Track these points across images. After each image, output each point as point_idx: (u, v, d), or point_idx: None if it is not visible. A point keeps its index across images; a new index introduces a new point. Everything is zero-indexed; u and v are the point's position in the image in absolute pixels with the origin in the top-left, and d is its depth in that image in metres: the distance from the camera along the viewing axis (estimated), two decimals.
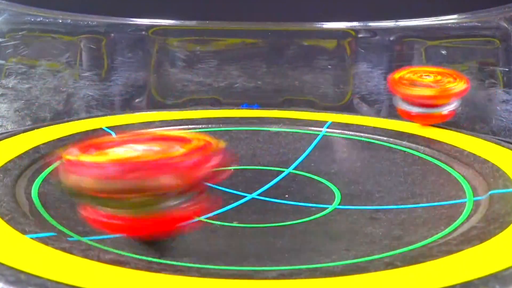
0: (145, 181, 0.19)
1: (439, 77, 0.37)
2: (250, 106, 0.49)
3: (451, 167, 0.32)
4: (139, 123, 0.40)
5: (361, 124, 0.40)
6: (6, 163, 0.29)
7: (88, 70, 0.51)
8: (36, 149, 0.32)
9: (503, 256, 0.19)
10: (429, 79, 0.37)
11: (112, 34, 0.53)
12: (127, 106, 0.53)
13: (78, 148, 0.20)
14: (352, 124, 0.40)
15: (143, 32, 0.53)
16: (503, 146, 0.34)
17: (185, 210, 0.20)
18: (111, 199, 0.19)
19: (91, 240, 0.23)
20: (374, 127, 0.39)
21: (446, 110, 0.37)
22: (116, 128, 0.38)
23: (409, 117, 0.38)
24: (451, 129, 0.38)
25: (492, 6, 0.48)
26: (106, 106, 0.51)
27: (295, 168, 0.35)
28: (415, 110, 0.37)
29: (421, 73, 0.37)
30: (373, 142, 0.38)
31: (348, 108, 0.52)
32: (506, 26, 0.48)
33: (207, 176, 0.20)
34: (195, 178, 0.19)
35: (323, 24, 0.52)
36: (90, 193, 0.19)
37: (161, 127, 0.40)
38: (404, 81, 0.37)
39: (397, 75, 0.37)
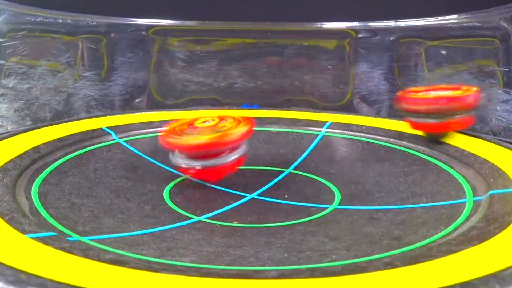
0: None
1: (213, 122, 0.32)
2: (250, 106, 0.49)
3: (451, 167, 0.32)
4: (139, 123, 0.40)
5: (361, 124, 0.40)
6: (6, 163, 0.29)
7: (88, 70, 0.52)
8: (36, 149, 0.32)
9: (503, 256, 0.19)
10: (206, 125, 0.32)
11: (112, 34, 0.53)
12: (127, 106, 0.53)
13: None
14: (352, 124, 0.40)
15: (143, 32, 0.53)
16: (503, 146, 0.34)
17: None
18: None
19: (91, 240, 0.23)
20: (374, 127, 0.39)
21: (230, 159, 0.31)
22: (116, 128, 0.38)
23: (191, 174, 0.32)
24: None
25: (492, 6, 0.48)
26: (106, 106, 0.51)
27: (295, 168, 0.35)
28: (194, 164, 0.31)
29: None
30: (373, 142, 0.38)
31: (348, 108, 0.52)
32: (506, 26, 0.48)
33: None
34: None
35: (323, 24, 0.52)
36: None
37: (161, 127, 0.40)
38: (174, 132, 0.31)
39: (167, 128, 0.32)
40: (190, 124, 0.32)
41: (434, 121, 0.34)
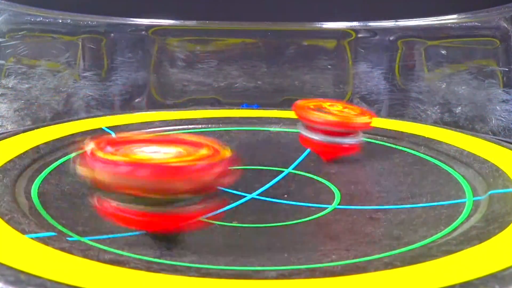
0: (157, 183, 0.20)
1: (345, 109, 0.36)
2: (250, 106, 0.49)
3: (450, 167, 0.32)
4: (139, 123, 0.40)
5: None
6: (6, 163, 0.29)
7: (88, 70, 0.52)
8: (36, 149, 0.32)
9: (503, 256, 0.19)
10: (335, 108, 0.36)
11: (112, 34, 0.53)
12: (127, 106, 0.53)
13: (96, 144, 0.22)
14: None
15: (143, 32, 0.53)
16: (502, 146, 0.34)
17: (194, 209, 0.21)
18: (125, 194, 0.21)
19: (90, 240, 0.23)
20: (373, 127, 0.39)
21: (348, 142, 0.35)
22: (116, 128, 0.38)
23: (310, 145, 0.36)
24: (450, 129, 0.38)
25: (492, 6, 0.48)
26: (106, 106, 0.51)
27: (294, 168, 0.35)
28: (316, 137, 0.35)
29: (328, 104, 0.37)
30: (372, 142, 0.38)
31: None
32: (506, 26, 0.48)
33: (214, 181, 0.21)
34: (203, 183, 0.21)
35: (323, 24, 0.52)
36: (106, 187, 0.21)
37: (160, 127, 0.40)
38: (310, 106, 0.35)
39: (303, 102, 0.36)
40: (318, 105, 0.36)
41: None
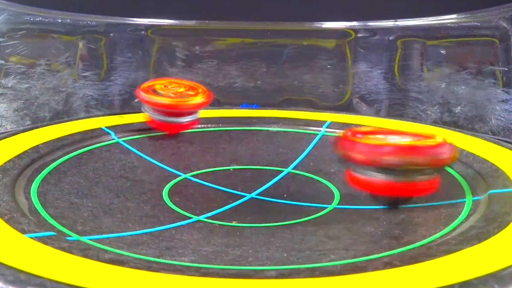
0: (406, 159, 0.26)
1: (182, 89, 0.39)
2: (249, 106, 0.49)
3: (450, 166, 0.32)
4: (139, 123, 0.40)
5: (361, 124, 0.40)
6: (5, 163, 0.29)
7: (88, 70, 0.51)
8: (35, 149, 0.32)
9: (502, 255, 0.19)
10: (174, 90, 0.39)
11: (112, 34, 0.53)
12: (127, 106, 0.53)
13: (358, 133, 0.28)
14: (352, 124, 0.40)
15: (143, 32, 0.53)
16: (502, 146, 0.34)
17: (428, 182, 0.27)
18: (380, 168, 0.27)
19: (90, 239, 0.23)
20: (373, 127, 0.39)
21: (185, 120, 0.38)
22: (115, 128, 0.38)
23: (152, 124, 0.38)
24: (450, 129, 0.38)
25: (492, 6, 0.48)
26: (105, 106, 0.51)
27: (294, 168, 0.35)
28: (157, 117, 0.38)
29: (171, 84, 0.39)
30: None
31: (348, 108, 0.52)
32: (506, 26, 0.48)
33: (445, 162, 0.27)
34: (440, 162, 0.27)
35: (322, 24, 0.52)
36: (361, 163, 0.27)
37: None
38: (151, 89, 0.38)
39: (147, 84, 0.39)
40: (166, 86, 0.39)
41: (388, 180, 0.26)
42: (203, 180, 0.33)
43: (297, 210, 0.29)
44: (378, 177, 0.27)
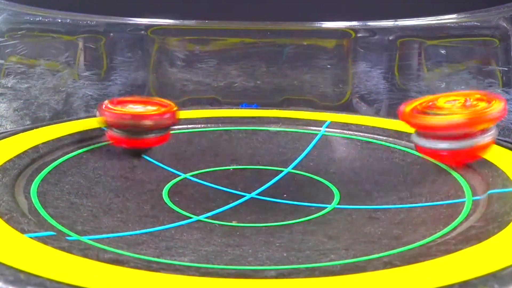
0: (134, 122, 0.33)
1: (463, 100, 0.30)
2: (249, 105, 0.49)
3: (450, 166, 0.32)
4: None
5: (360, 123, 0.40)
6: (5, 163, 0.29)
7: (87, 70, 0.52)
8: (35, 148, 0.32)
9: (502, 255, 0.19)
10: (454, 103, 0.29)
11: (111, 34, 0.53)
12: None
13: (110, 103, 0.35)
14: (351, 124, 0.40)
15: (142, 32, 0.53)
16: (502, 145, 0.34)
17: (154, 139, 0.35)
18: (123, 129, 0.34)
19: (90, 239, 0.23)
20: (373, 127, 0.39)
21: (484, 140, 0.29)
22: None
23: (435, 156, 0.30)
24: None
25: (492, 6, 0.48)
26: None
27: (294, 168, 0.35)
28: (442, 146, 0.29)
29: (440, 99, 0.30)
30: (372, 142, 0.38)
31: (347, 108, 0.52)
32: (506, 25, 0.48)
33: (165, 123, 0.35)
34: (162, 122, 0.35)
35: (322, 23, 0.52)
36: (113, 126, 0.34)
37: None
38: (422, 111, 0.29)
39: (409, 107, 0.30)
40: (431, 103, 0.30)
41: (127, 136, 0.34)
42: (203, 180, 0.33)
43: (297, 210, 0.29)
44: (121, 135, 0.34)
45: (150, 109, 0.35)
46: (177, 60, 0.53)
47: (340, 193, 0.31)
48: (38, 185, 0.29)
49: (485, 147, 0.29)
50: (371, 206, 0.29)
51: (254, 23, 0.52)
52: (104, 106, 0.34)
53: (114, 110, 0.34)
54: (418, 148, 0.30)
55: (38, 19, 0.50)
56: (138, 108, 0.35)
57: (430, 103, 0.30)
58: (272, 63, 0.53)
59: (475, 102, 0.29)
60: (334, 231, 0.26)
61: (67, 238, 0.22)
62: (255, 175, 0.34)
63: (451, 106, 0.29)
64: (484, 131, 0.29)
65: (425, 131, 0.29)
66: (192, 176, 0.34)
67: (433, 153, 0.30)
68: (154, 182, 0.32)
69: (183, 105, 0.52)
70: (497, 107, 0.28)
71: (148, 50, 0.53)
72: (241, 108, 0.47)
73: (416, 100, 0.31)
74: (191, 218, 0.27)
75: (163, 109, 0.35)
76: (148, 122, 0.34)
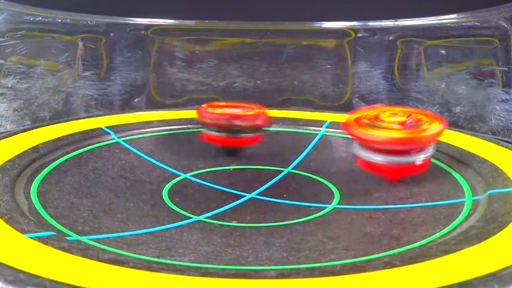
0: (234, 122, 0.36)
1: (405, 118, 0.30)
2: None
3: (450, 166, 0.32)
4: (138, 122, 0.40)
5: None
6: (5, 163, 0.29)
7: (87, 70, 0.52)
8: (35, 148, 0.32)
9: (502, 255, 0.19)
10: (396, 119, 0.30)
11: (111, 34, 0.53)
12: (126, 105, 0.53)
13: (208, 106, 0.37)
14: None
15: (142, 32, 0.53)
16: (502, 145, 0.34)
17: (248, 138, 0.37)
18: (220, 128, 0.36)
19: (90, 239, 0.23)
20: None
21: (420, 159, 0.29)
22: (115, 128, 0.38)
23: (370, 168, 0.30)
24: (450, 129, 0.38)
25: (492, 6, 0.48)
26: (105, 106, 0.51)
27: (294, 168, 0.35)
28: (377, 158, 0.30)
29: (385, 112, 0.31)
30: None
31: (347, 108, 0.52)
32: (506, 25, 0.48)
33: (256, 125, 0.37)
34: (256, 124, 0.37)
35: (322, 23, 0.52)
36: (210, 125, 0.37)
37: (160, 126, 0.40)
38: (363, 121, 0.30)
39: (353, 116, 0.31)
40: (376, 115, 0.31)
41: (224, 136, 0.37)
42: (203, 180, 0.33)
43: (296, 210, 0.29)
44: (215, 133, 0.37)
45: (244, 111, 0.37)
46: (177, 60, 0.53)
47: (340, 193, 0.31)
48: (38, 185, 0.29)
49: (420, 165, 0.30)
50: (371, 206, 0.29)
51: (254, 23, 0.52)
52: (202, 108, 0.37)
53: (213, 111, 0.36)
54: (355, 158, 0.31)
55: (38, 19, 0.50)
56: (234, 111, 0.37)
57: (374, 115, 0.31)
58: (272, 63, 0.53)
59: (415, 122, 0.30)
60: (334, 231, 0.26)
61: (67, 238, 0.22)
62: (255, 175, 0.34)
63: (393, 121, 0.30)
64: (421, 150, 0.29)
65: (364, 143, 0.30)
66: (192, 176, 0.34)
67: (369, 164, 0.30)
68: (154, 182, 0.32)
69: (183, 105, 0.52)
70: (435, 129, 0.29)
71: (148, 50, 0.53)
72: None
73: (363, 110, 0.32)
74: (191, 218, 0.27)
75: (256, 111, 0.37)
76: (243, 123, 0.36)
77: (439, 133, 0.29)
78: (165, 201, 0.30)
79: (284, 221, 0.27)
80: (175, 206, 0.29)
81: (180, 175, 0.33)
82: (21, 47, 0.49)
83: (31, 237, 0.21)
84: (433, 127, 0.29)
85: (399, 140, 0.28)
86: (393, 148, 0.29)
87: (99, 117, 0.41)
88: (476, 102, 0.48)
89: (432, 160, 0.34)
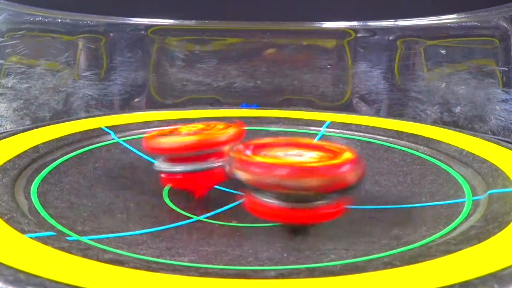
0: (301, 182, 0.22)
1: (202, 126, 0.30)
2: (249, 106, 0.49)
3: (450, 166, 0.32)
4: (138, 122, 0.40)
5: (360, 123, 0.40)
6: (5, 163, 0.29)
7: (87, 70, 0.52)
8: (35, 148, 0.32)
9: (502, 255, 0.19)
10: (193, 128, 0.30)
11: (111, 34, 0.53)
12: (126, 105, 0.53)
13: (245, 148, 0.25)
14: (351, 124, 0.40)
15: (142, 32, 0.53)
16: (502, 145, 0.34)
17: (328, 207, 0.23)
18: (273, 191, 0.23)
19: (90, 239, 0.23)
20: (373, 127, 0.39)
21: (215, 164, 0.28)
22: (115, 128, 0.38)
23: (173, 182, 0.29)
24: (450, 129, 0.38)
25: (492, 6, 0.48)
26: (105, 106, 0.51)
27: None
28: (178, 169, 0.28)
29: (187, 126, 0.31)
30: (372, 142, 0.38)
31: (347, 108, 0.52)
32: (506, 25, 0.48)
33: (348, 183, 0.23)
34: (340, 184, 0.23)
35: (322, 23, 0.52)
36: (256, 186, 0.23)
37: (160, 126, 0.40)
38: (158, 135, 0.29)
39: (152, 133, 0.30)
40: (175, 129, 0.30)
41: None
42: None
43: None
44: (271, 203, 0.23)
45: (310, 156, 0.24)
46: (177, 60, 0.53)
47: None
48: (38, 185, 0.29)
49: (217, 171, 0.28)
50: (371, 206, 0.29)
51: (254, 23, 0.52)
52: (236, 154, 0.24)
53: (260, 160, 0.23)
54: (160, 175, 0.29)
55: (38, 19, 0.50)
56: (291, 156, 0.24)
57: (171, 130, 0.30)
58: (272, 63, 0.53)
59: (210, 129, 0.29)
60: (334, 231, 0.26)
61: (67, 238, 0.22)
62: None
63: (187, 130, 0.29)
64: (218, 156, 0.28)
65: (159, 153, 0.29)
66: None
67: (171, 177, 0.29)
68: (154, 182, 0.32)
69: (183, 105, 0.52)
70: (229, 133, 0.28)
71: (148, 50, 0.53)
72: (241, 108, 0.47)
73: (163, 129, 0.31)
74: (191, 218, 0.27)
75: (334, 156, 0.24)
76: (318, 181, 0.22)
77: (232, 135, 0.28)
78: (165, 201, 0.30)
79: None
80: (175, 206, 0.29)
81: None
82: (21, 47, 0.49)
83: (31, 237, 0.21)
84: (227, 131, 0.28)
85: (194, 143, 0.27)
86: (189, 153, 0.28)
87: (99, 117, 0.41)
88: (476, 102, 0.48)
89: (432, 160, 0.34)
